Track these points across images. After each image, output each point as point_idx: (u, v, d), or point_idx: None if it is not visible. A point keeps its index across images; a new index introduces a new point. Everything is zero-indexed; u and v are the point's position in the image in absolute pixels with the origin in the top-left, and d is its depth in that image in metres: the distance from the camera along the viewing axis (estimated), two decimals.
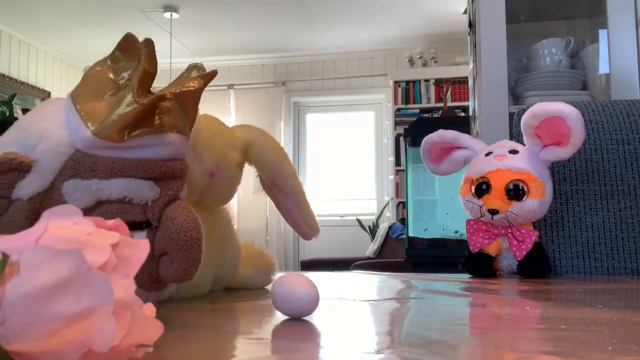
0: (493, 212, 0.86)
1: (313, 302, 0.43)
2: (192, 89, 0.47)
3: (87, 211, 0.43)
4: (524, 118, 0.87)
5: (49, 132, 0.45)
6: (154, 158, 0.46)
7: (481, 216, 0.89)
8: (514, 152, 0.90)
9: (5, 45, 4.60)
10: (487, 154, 0.92)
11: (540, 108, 0.85)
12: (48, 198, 0.43)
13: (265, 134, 0.71)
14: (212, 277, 0.65)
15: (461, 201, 0.93)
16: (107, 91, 0.46)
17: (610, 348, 0.32)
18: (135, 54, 0.47)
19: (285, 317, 0.44)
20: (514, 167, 0.87)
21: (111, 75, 0.47)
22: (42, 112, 0.48)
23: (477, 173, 0.90)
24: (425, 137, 0.99)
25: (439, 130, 0.99)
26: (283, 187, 0.69)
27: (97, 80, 0.47)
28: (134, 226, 0.44)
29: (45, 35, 4.73)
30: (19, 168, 0.43)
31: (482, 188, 0.89)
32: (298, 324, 0.42)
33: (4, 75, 4.52)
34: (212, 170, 0.62)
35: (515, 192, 0.86)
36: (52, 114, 0.47)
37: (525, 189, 0.86)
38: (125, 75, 0.47)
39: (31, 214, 0.43)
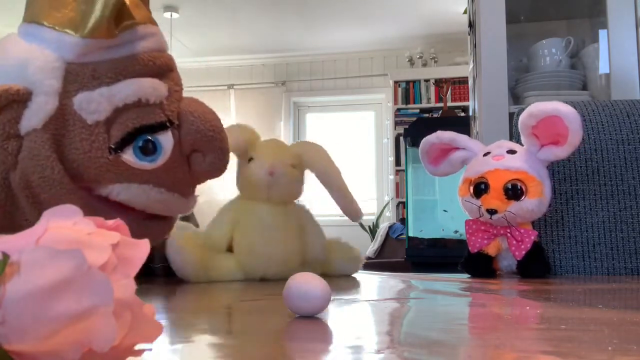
0: (491, 212, 0.86)
1: (326, 300, 0.43)
2: None
3: (109, 122, 0.40)
4: (521, 118, 0.88)
5: (28, 55, 0.41)
6: (147, 51, 0.43)
7: (480, 216, 0.89)
8: (512, 152, 0.90)
9: None
10: (485, 154, 0.92)
11: (537, 108, 0.85)
12: (61, 120, 0.40)
13: (314, 145, 0.90)
14: (299, 260, 0.84)
15: (460, 202, 0.93)
16: (62, 2, 0.42)
17: (610, 348, 0.32)
18: None
19: (289, 317, 0.44)
20: (512, 166, 0.87)
21: None
22: (4, 46, 0.43)
23: (476, 173, 0.90)
24: (424, 139, 1.00)
25: (437, 132, 0.99)
26: (328, 186, 0.87)
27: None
28: (158, 127, 0.41)
29: None
30: (17, 98, 0.39)
31: (480, 188, 0.89)
32: (298, 323, 0.42)
33: None
34: (270, 170, 0.81)
35: (514, 191, 0.86)
36: (15, 43, 0.43)
37: (524, 189, 0.86)
38: None
39: (52, 142, 0.39)
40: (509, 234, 0.88)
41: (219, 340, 0.38)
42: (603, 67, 1.62)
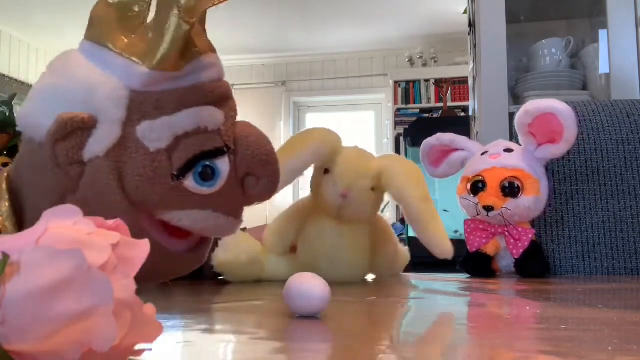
0: (488, 208, 0.87)
1: (326, 300, 0.43)
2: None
3: (170, 149, 0.40)
4: (517, 116, 0.89)
5: (95, 81, 0.40)
6: (208, 81, 0.43)
7: (477, 214, 0.89)
8: (508, 150, 0.91)
9: (5, 45, 4.60)
10: (482, 154, 0.93)
11: (533, 105, 0.86)
12: (124, 148, 0.40)
13: (400, 161, 0.81)
14: (363, 274, 0.82)
15: (458, 200, 0.94)
16: (130, 25, 0.42)
17: (610, 348, 0.32)
18: None
19: (289, 317, 0.44)
20: (509, 164, 0.88)
21: (125, 10, 0.43)
22: (66, 66, 0.42)
23: (473, 172, 0.91)
24: (424, 141, 1.01)
25: (437, 134, 1.00)
26: (407, 213, 0.77)
27: (111, 17, 0.43)
28: (216, 153, 0.42)
29: (45, 35, 4.73)
30: (83, 126, 0.39)
31: (477, 186, 0.89)
32: (298, 323, 0.42)
33: (4, 75, 4.52)
34: (343, 193, 0.74)
35: (510, 189, 0.87)
36: (80, 64, 0.42)
37: (520, 186, 0.87)
38: (137, 7, 0.43)
39: (113, 170, 0.39)
40: (507, 233, 0.89)
41: (219, 340, 0.38)
42: (603, 67, 1.62)
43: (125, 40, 0.41)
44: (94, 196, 0.39)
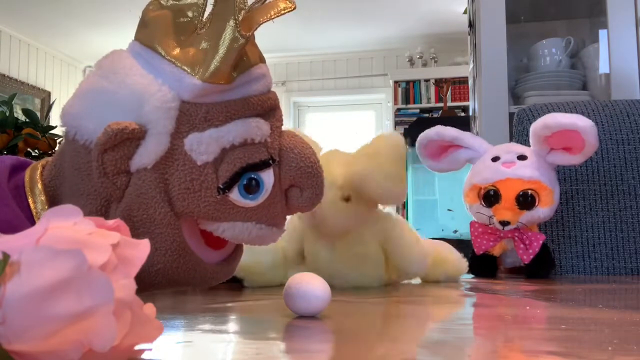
0: (504, 223, 0.84)
1: (326, 300, 0.43)
2: (289, 10, 0.41)
3: (216, 162, 0.40)
4: (534, 127, 0.85)
5: (145, 89, 0.40)
6: (258, 93, 0.43)
7: (489, 224, 0.87)
8: (522, 157, 0.87)
9: (5, 45, 4.60)
10: (493, 159, 0.89)
11: (555, 121, 0.82)
12: (171, 160, 0.39)
13: (377, 166, 0.69)
14: (377, 281, 0.74)
15: (467, 208, 0.91)
16: (183, 30, 0.41)
17: (610, 348, 0.32)
18: None
19: (289, 317, 0.44)
20: (525, 176, 0.85)
21: (178, 14, 0.42)
22: (116, 69, 0.41)
23: (485, 181, 0.88)
24: (422, 133, 0.96)
25: (437, 127, 0.95)
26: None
27: (165, 20, 0.42)
28: (261, 165, 0.41)
29: (45, 35, 4.73)
30: (131, 137, 0.38)
31: (490, 196, 0.86)
32: (298, 323, 0.42)
33: (4, 75, 4.52)
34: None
35: (526, 200, 0.84)
36: (130, 67, 0.41)
37: (536, 197, 0.84)
38: (191, 12, 0.42)
39: (160, 182, 0.39)
40: (516, 237, 0.87)
41: (219, 340, 0.38)
42: (603, 67, 1.62)
43: (177, 48, 0.41)
44: (139, 207, 0.38)
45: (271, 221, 0.43)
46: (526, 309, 0.55)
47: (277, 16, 0.41)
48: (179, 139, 0.39)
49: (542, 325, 0.44)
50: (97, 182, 0.38)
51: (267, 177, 0.41)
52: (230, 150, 0.40)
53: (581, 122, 0.80)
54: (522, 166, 0.86)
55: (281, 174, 0.43)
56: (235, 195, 0.40)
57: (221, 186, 0.39)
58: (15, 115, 1.86)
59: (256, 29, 0.40)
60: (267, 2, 0.43)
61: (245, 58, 0.42)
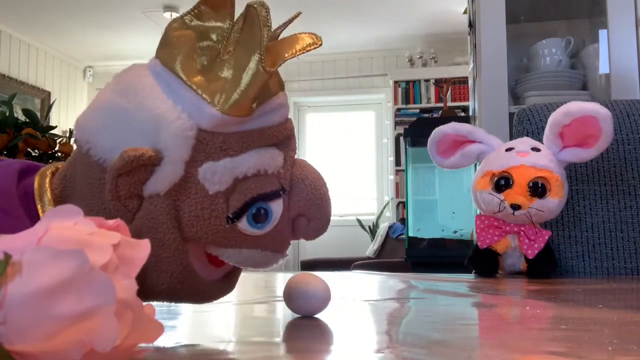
0: (515, 207, 0.85)
1: (326, 300, 0.43)
2: (315, 46, 0.41)
3: (228, 192, 0.40)
4: (554, 116, 0.86)
5: (164, 115, 0.39)
6: (275, 124, 0.42)
7: (499, 211, 0.87)
8: (536, 149, 0.89)
9: (5, 45, 4.60)
10: (507, 150, 0.91)
11: (577, 106, 0.84)
12: (184, 187, 0.39)
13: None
14: None
15: (475, 195, 0.91)
16: (205, 54, 0.41)
17: (610, 348, 0.32)
18: (225, 10, 0.43)
19: (289, 317, 0.44)
20: (539, 164, 0.86)
21: (202, 36, 0.42)
22: (135, 88, 0.41)
23: (500, 167, 0.89)
24: (436, 129, 0.97)
25: (451, 123, 0.97)
26: None
27: (188, 42, 0.41)
28: (272, 196, 0.41)
29: (45, 35, 4.73)
30: (147, 163, 0.38)
31: (500, 183, 0.88)
32: (298, 323, 0.42)
33: (4, 75, 4.52)
34: None
35: (538, 188, 0.86)
36: (150, 89, 0.40)
37: (547, 187, 0.86)
38: (215, 36, 0.42)
39: (171, 209, 0.39)
40: (522, 232, 0.87)
41: (219, 341, 0.38)
42: (603, 67, 1.62)
43: (199, 74, 0.40)
44: (148, 230, 0.39)
45: (276, 248, 0.43)
46: (526, 309, 0.55)
47: (303, 52, 0.41)
48: (194, 167, 0.39)
49: (542, 325, 0.44)
50: (109, 204, 0.39)
51: (277, 206, 0.41)
52: (243, 180, 0.40)
53: (602, 110, 0.83)
54: (536, 156, 0.88)
55: (290, 203, 0.43)
56: (243, 224, 0.40)
57: (231, 215, 0.39)
58: (15, 115, 1.86)
59: (280, 64, 0.39)
60: (294, 35, 0.43)
61: (266, 88, 0.41)
